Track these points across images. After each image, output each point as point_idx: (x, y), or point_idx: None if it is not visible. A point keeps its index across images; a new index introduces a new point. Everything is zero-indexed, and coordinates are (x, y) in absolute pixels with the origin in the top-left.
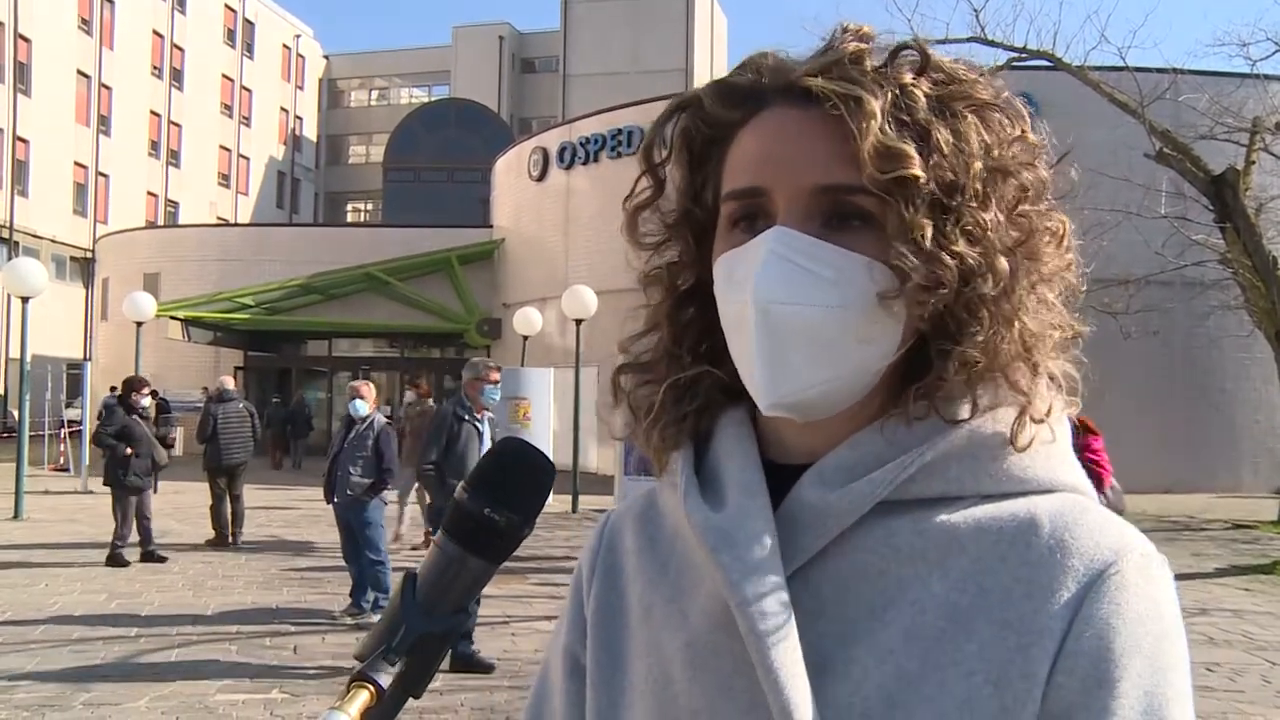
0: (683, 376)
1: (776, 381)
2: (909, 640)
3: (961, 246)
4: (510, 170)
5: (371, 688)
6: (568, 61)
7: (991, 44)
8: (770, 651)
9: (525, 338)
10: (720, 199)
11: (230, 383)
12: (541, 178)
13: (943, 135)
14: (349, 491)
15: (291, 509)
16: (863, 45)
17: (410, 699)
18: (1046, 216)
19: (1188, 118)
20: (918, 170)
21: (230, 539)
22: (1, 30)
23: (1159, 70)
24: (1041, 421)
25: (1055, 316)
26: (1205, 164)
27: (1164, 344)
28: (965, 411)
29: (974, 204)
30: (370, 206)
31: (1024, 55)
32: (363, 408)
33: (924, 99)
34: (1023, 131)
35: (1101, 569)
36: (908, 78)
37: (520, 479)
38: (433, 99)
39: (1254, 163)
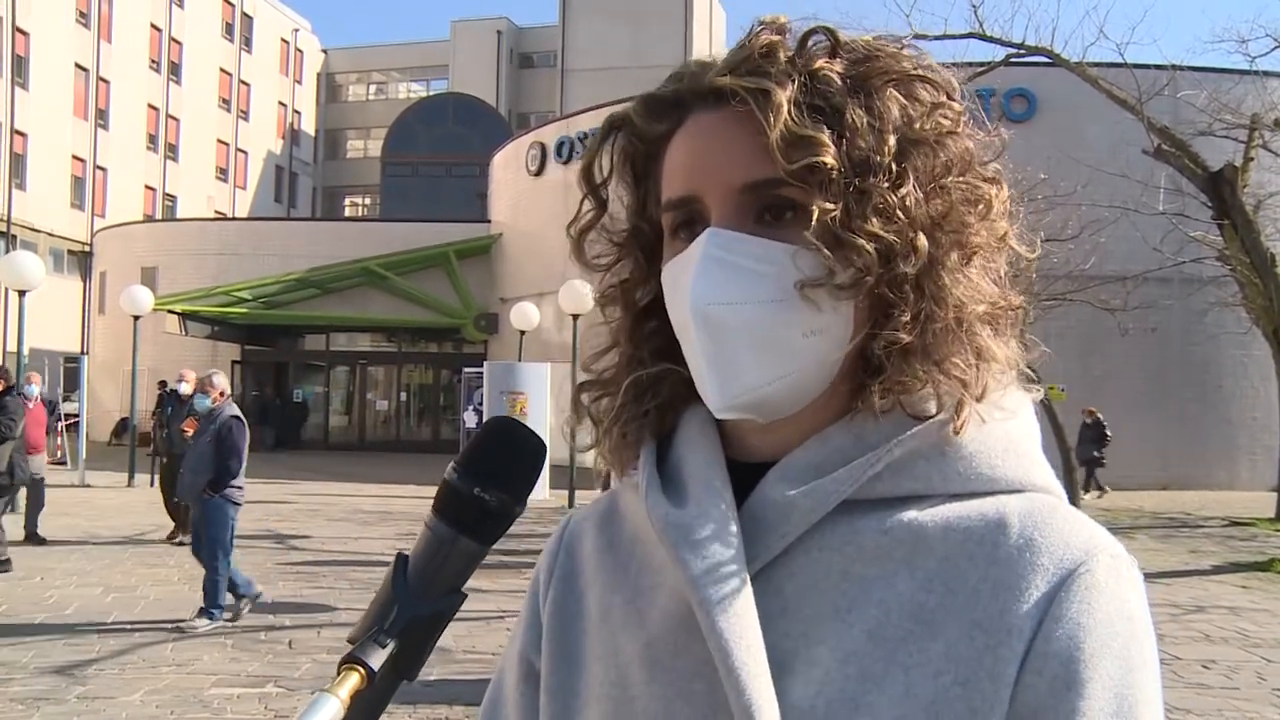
0: (644, 374)
1: (726, 384)
2: (873, 641)
3: (875, 227)
4: (508, 165)
5: (362, 670)
6: (566, 56)
7: (990, 40)
8: (733, 652)
9: (522, 332)
10: (660, 211)
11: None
12: (539, 172)
13: (857, 114)
14: (189, 490)
15: (287, 503)
16: (775, 37)
17: (405, 681)
18: (972, 187)
19: (1186, 114)
20: (827, 156)
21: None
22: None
23: (1157, 66)
24: (980, 400)
25: (989, 291)
26: (1203, 160)
27: (1161, 340)
28: (932, 407)
29: (886, 183)
30: (368, 201)
31: (1022, 51)
32: (204, 402)
33: (838, 80)
34: (947, 97)
35: (1071, 568)
36: (820, 62)
37: (510, 458)
38: (431, 93)
39: (1252, 159)
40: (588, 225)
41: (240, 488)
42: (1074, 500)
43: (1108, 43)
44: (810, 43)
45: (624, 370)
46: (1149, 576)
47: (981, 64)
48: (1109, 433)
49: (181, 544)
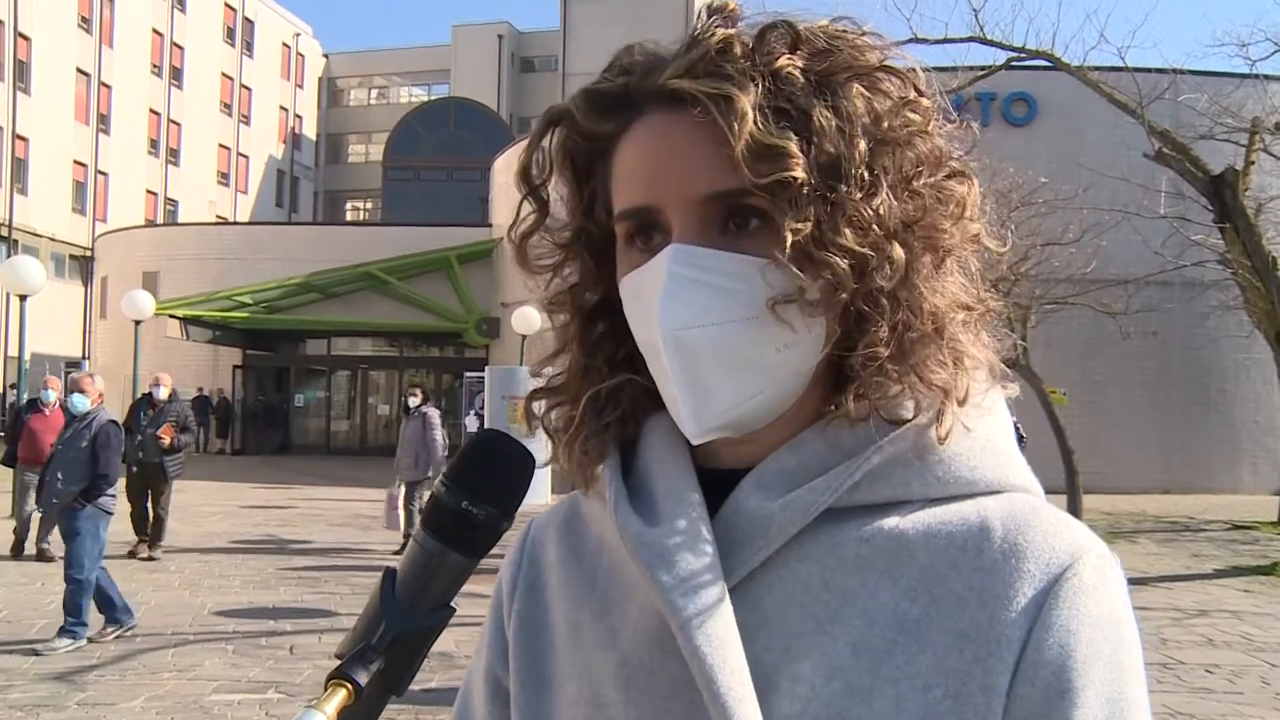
0: (602, 388)
1: (701, 410)
2: (858, 654)
3: (848, 240)
4: (509, 169)
5: (349, 686)
6: (567, 60)
7: (991, 44)
8: (716, 674)
9: (524, 337)
10: (613, 217)
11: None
12: None
13: (824, 116)
14: (54, 499)
15: (288, 507)
16: (730, 31)
17: (393, 697)
18: (944, 188)
19: (1187, 118)
20: (797, 170)
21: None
22: (1, 28)
23: (1158, 70)
24: (962, 405)
25: (963, 293)
26: (1204, 164)
27: (1163, 344)
28: (908, 410)
29: (858, 193)
30: (369, 205)
31: (1023, 55)
32: (82, 403)
33: (801, 79)
34: (914, 91)
35: (1058, 573)
36: (781, 60)
37: (498, 471)
38: (432, 98)
39: (1253, 163)
40: (530, 229)
41: (113, 496)
42: (1075, 505)
43: (1108, 46)
44: (770, 38)
45: (578, 379)
46: (1151, 581)
47: (982, 68)
48: (1024, 435)
49: (151, 559)
